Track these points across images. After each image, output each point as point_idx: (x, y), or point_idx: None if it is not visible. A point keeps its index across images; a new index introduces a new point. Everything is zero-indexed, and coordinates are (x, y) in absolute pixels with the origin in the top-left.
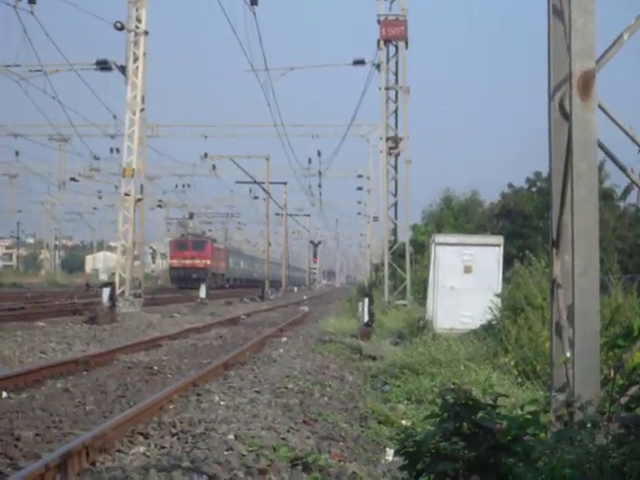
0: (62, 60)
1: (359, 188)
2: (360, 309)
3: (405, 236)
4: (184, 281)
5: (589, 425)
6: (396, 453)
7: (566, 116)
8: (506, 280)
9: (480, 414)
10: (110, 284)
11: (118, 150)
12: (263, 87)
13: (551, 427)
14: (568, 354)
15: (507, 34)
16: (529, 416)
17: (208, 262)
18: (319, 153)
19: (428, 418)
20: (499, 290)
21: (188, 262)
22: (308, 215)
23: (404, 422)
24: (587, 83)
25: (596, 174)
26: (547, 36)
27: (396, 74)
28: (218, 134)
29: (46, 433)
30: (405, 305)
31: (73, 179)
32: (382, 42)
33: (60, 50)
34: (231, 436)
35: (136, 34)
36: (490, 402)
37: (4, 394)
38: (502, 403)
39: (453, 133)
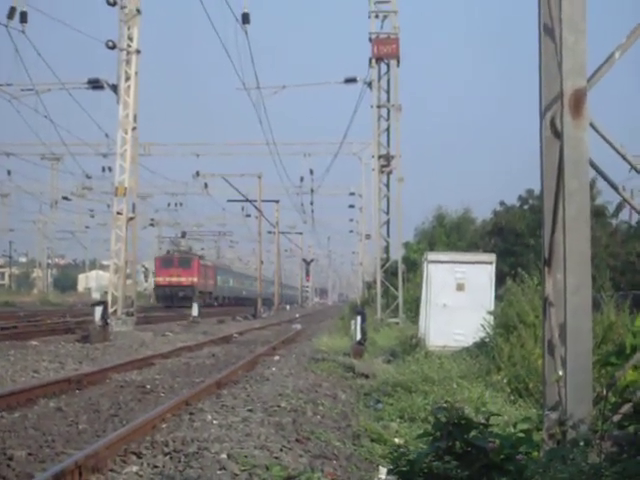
0: (54, 79)
1: (351, 206)
2: (353, 327)
3: (397, 254)
4: (170, 299)
5: (582, 443)
6: (389, 472)
7: (557, 134)
8: (498, 298)
9: (473, 433)
10: (102, 303)
11: (110, 169)
12: (255, 105)
13: (544, 445)
14: (560, 372)
15: (498, 54)
16: (522, 434)
17: (195, 279)
18: (311, 171)
19: (421, 437)
20: (491, 308)
21: (174, 280)
22: (300, 233)
23: (397, 440)
24: (578, 101)
25: (587, 192)
26: (538, 54)
27: (388, 92)
28: (210, 153)
29: (39, 452)
30: (397, 323)
31: (65, 198)
32: (374, 60)
33: (52, 69)
34: (224, 455)
35: (128, 53)
36: (483, 421)
37: None
38: (495, 421)
39: (445, 151)
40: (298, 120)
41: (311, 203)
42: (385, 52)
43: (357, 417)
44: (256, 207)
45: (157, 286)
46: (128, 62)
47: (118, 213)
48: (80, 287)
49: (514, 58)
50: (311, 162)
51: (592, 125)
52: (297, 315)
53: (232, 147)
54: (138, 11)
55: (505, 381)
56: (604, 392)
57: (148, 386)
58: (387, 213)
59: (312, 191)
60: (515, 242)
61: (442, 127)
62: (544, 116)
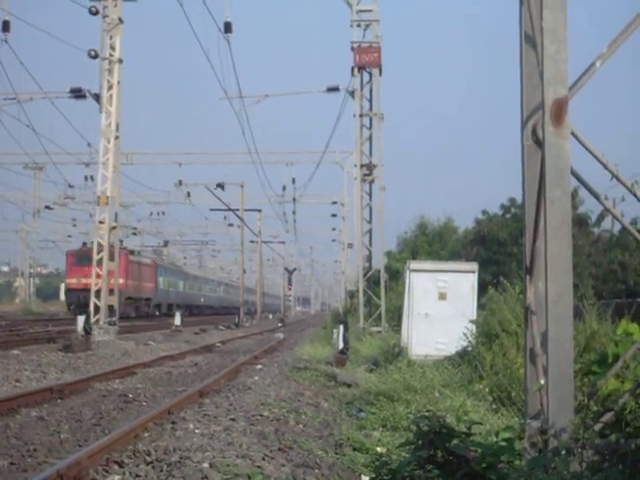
0: (36, 88)
1: (334, 215)
2: (335, 336)
3: (380, 263)
4: (87, 308)
5: (563, 452)
6: None
7: (539, 143)
8: (481, 307)
9: (454, 442)
10: (85, 312)
11: (92, 178)
12: (237, 114)
13: (525, 454)
14: (542, 381)
15: (481, 63)
16: (504, 443)
17: (120, 281)
18: (293, 180)
19: (403, 445)
20: (474, 316)
21: (92, 282)
22: (283, 242)
23: (379, 449)
24: (560, 110)
25: (569, 201)
26: (519, 63)
27: (370, 101)
28: (192, 162)
29: (21, 462)
30: (380, 332)
31: (48, 207)
32: (356, 69)
33: (34, 78)
34: (206, 464)
35: (110, 62)
36: (464, 430)
37: None
38: (476, 430)
39: (427, 159)
40: (280, 129)
41: (293, 212)
42: (367, 61)
43: (339, 426)
44: (238, 216)
45: (68, 290)
46: (110, 71)
47: (100, 222)
48: (62, 296)
49: (497, 67)
50: (293, 171)
51: (573, 134)
52: (279, 324)
53: (215, 156)
54: (120, 20)
55: (487, 390)
56: (586, 401)
57: (130, 395)
58: (369, 222)
59: (294, 200)
60: (497, 251)
61: (424, 136)
62: (525, 125)
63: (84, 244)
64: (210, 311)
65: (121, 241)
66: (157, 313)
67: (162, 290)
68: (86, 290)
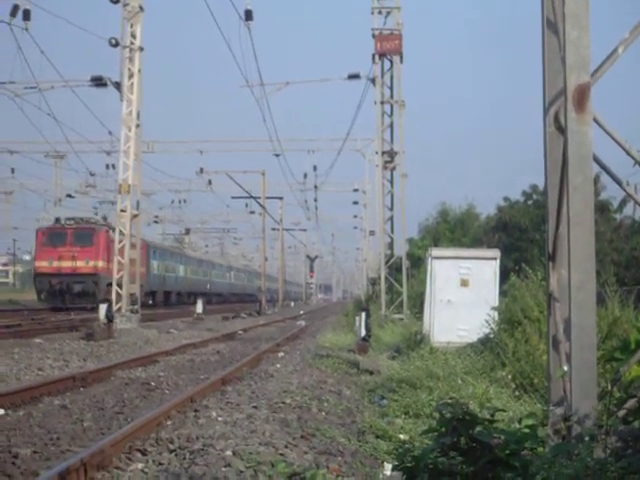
0: (57, 77)
1: (355, 202)
2: (357, 323)
3: (401, 250)
4: (60, 297)
5: (587, 439)
6: (394, 468)
7: (561, 130)
8: (503, 293)
9: (478, 429)
10: (107, 300)
11: (114, 166)
12: (258, 102)
13: (549, 441)
14: (565, 367)
15: (502, 50)
16: (527, 430)
17: (100, 264)
18: (315, 168)
19: (426, 433)
20: (496, 303)
21: (66, 265)
22: (304, 230)
23: (402, 436)
24: (582, 96)
25: (592, 187)
26: (542, 50)
27: (391, 88)
28: (214, 149)
29: (44, 450)
30: (402, 319)
31: (69, 195)
32: (377, 56)
33: (55, 67)
34: (229, 452)
35: (131, 50)
36: (487, 416)
37: (1, 411)
38: (499, 417)
39: (449, 146)
40: (301, 117)
41: (315, 200)
42: (388, 48)
43: (362, 413)
44: (260, 204)
45: (38, 275)
46: (131, 59)
47: (122, 210)
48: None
49: (519, 53)
50: (315, 158)
51: (596, 120)
52: (301, 312)
53: (236, 144)
54: (141, 8)
55: (510, 377)
56: (609, 387)
57: (153, 383)
58: (391, 209)
59: (316, 188)
60: (519, 237)
61: (446, 123)
62: (548, 111)
63: (57, 220)
64: (218, 299)
65: (105, 218)
66: (150, 302)
67: (156, 275)
68: (60, 275)
